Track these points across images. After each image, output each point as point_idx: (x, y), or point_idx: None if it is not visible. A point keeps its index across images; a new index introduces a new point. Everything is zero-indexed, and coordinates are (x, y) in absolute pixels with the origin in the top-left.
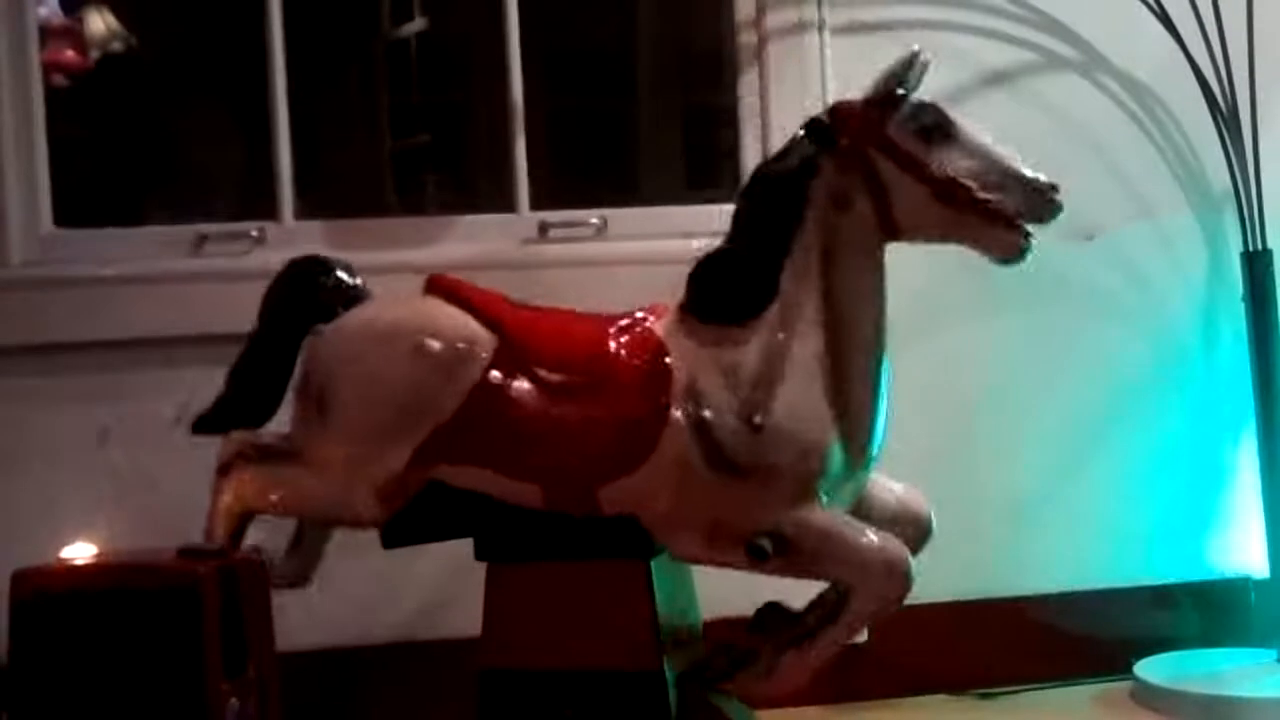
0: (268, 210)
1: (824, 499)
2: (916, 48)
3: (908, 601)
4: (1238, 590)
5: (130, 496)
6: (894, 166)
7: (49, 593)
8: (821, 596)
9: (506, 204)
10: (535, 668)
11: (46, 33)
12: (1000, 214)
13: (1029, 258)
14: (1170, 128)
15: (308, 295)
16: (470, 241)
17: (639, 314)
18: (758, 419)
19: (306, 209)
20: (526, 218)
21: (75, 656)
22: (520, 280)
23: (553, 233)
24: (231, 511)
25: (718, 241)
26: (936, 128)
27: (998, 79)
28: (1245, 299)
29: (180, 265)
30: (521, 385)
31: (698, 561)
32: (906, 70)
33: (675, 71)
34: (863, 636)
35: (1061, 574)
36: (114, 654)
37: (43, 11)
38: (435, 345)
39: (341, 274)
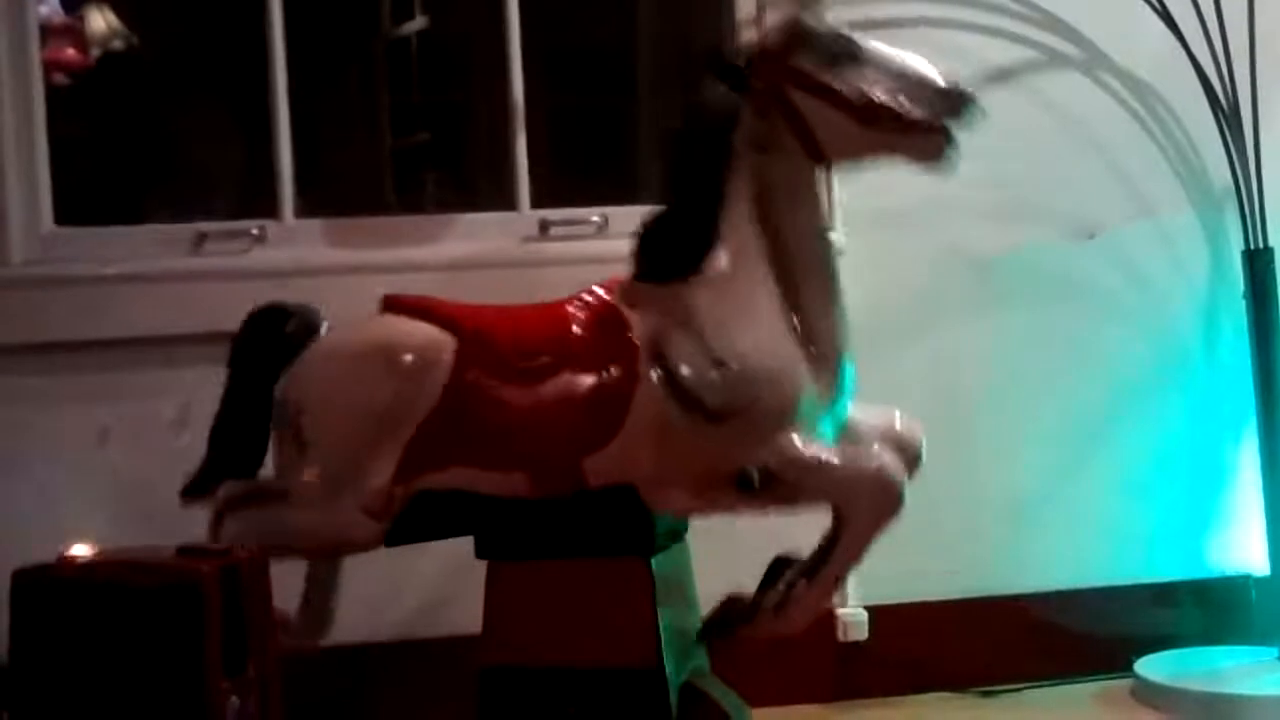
0: (268, 209)
1: (804, 430)
2: None
3: (908, 600)
4: (1238, 588)
5: (130, 496)
6: (809, 98)
7: (50, 591)
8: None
9: (507, 202)
10: (535, 665)
11: (47, 31)
12: (918, 122)
13: (954, 159)
14: (1171, 125)
15: (272, 343)
16: (471, 240)
17: (593, 288)
18: (725, 360)
19: (306, 207)
20: (527, 216)
21: (76, 655)
22: (521, 278)
23: (553, 231)
24: None
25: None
26: (844, 53)
27: (999, 76)
28: (1246, 297)
29: (180, 264)
30: (489, 378)
31: (693, 514)
32: (806, 4)
33: (675, 71)
34: (863, 635)
35: (1062, 572)
36: (114, 652)
37: (43, 10)
38: (400, 355)
39: (302, 316)
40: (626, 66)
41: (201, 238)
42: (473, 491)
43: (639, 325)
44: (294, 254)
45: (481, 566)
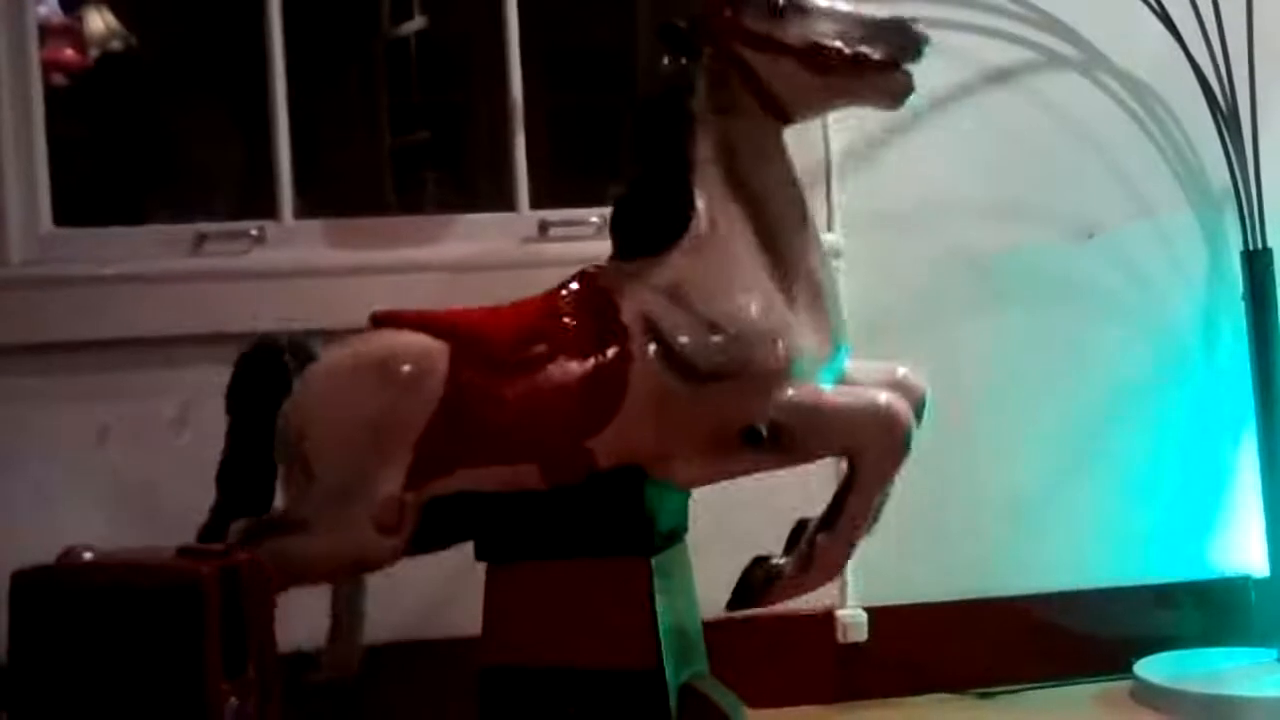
0: (267, 209)
1: (803, 380)
2: None
3: (908, 601)
4: (1238, 589)
5: (129, 497)
6: (760, 54)
7: (49, 592)
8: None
9: (506, 203)
10: (535, 665)
11: (46, 31)
12: (872, 63)
13: (912, 96)
14: (1170, 126)
15: (269, 377)
16: (470, 240)
17: (577, 273)
18: (718, 323)
19: (306, 208)
20: (526, 216)
21: (75, 655)
22: (520, 279)
23: (553, 231)
24: None
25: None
26: (788, 4)
27: (998, 77)
28: (1245, 298)
29: (180, 264)
30: (487, 375)
31: (706, 482)
32: None
33: None
34: (862, 636)
35: (1062, 573)
36: (114, 653)
37: (42, 10)
38: (394, 366)
39: (295, 348)
40: (626, 66)
41: (201, 238)
42: (484, 492)
43: (626, 301)
44: (293, 254)
45: (481, 567)
